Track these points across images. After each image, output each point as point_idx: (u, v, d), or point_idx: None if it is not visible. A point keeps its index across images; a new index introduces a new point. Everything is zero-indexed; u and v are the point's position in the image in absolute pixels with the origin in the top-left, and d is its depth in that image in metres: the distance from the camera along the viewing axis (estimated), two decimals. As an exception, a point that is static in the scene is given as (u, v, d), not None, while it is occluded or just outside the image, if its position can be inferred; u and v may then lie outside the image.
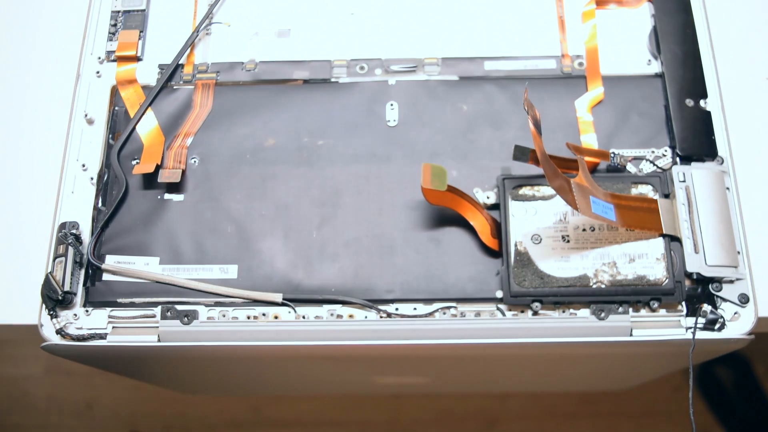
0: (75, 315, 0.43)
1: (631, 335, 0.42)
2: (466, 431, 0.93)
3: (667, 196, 0.44)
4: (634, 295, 0.42)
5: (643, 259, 0.42)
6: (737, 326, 0.42)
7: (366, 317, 0.43)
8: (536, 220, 0.43)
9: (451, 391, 0.90)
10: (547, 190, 0.44)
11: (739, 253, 0.42)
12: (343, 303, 0.43)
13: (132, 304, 0.43)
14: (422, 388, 0.85)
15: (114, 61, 0.49)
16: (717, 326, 0.42)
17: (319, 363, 0.56)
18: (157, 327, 0.43)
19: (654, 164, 0.45)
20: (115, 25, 0.50)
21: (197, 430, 0.94)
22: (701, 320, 0.42)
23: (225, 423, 0.94)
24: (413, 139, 0.47)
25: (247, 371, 0.62)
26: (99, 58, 0.49)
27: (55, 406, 0.95)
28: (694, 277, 0.42)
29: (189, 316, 0.43)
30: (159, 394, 0.94)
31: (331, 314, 0.43)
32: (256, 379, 0.70)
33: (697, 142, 0.46)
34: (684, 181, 0.44)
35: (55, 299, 0.42)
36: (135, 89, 0.49)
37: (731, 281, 0.42)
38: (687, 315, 0.42)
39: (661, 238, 0.42)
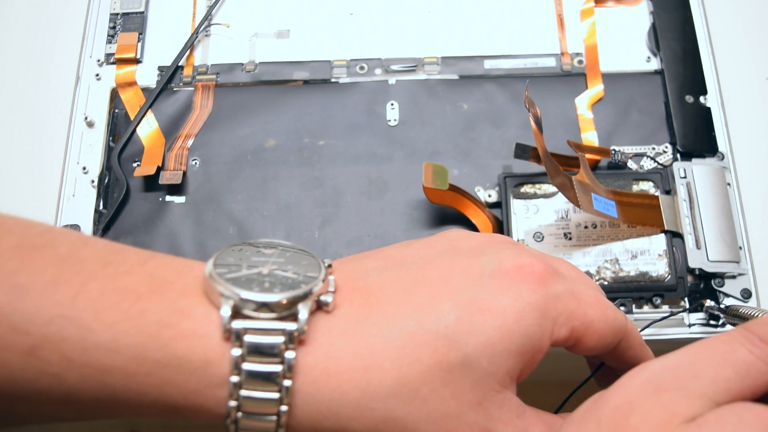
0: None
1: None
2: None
3: (668, 192, 0.44)
4: (637, 291, 0.42)
5: (645, 256, 0.42)
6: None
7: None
8: (538, 218, 0.43)
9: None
10: (548, 187, 0.44)
11: (740, 248, 0.43)
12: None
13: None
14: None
15: (113, 63, 0.49)
16: (720, 322, 0.42)
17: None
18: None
19: (655, 161, 0.46)
20: (114, 27, 0.50)
21: (197, 430, 0.94)
22: (703, 316, 0.42)
23: (226, 425, 0.94)
24: (414, 138, 0.47)
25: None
26: (98, 60, 0.49)
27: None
28: (696, 272, 0.42)
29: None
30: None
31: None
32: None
33: (698, 138, 0.46)
34: (685, 177, 0.44)
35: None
36: (135, 91, 0.49)
37: (733, 276, 0.42)
38: (690, 311, 0.42)
39: (662, 235, 0.43)
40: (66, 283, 0.26)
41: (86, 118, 0.47)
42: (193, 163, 0.47)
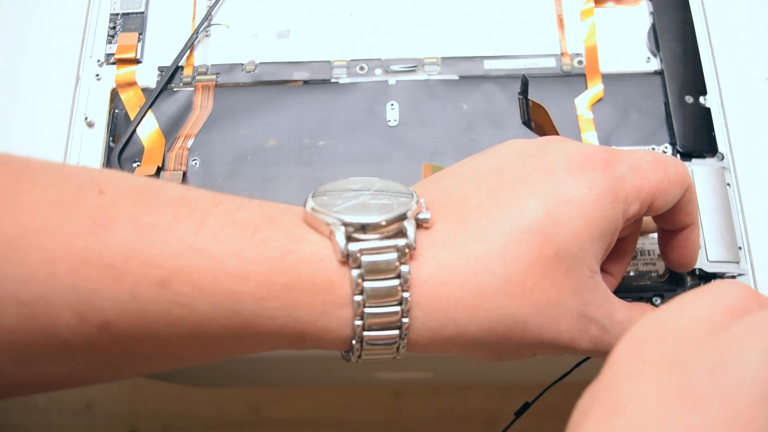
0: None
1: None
2: (466, 431, 0.94)
3: (668, 192, 0.44)
4: (636, 291, 0.42)
5: (645, 256, 0.42)
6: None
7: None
8: (538, 219, 0.43)
9: (454, 382, 0.90)
10: (548, 188, 0.44)
11: (740, 248, 0.43)
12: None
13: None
14: (424, 381, 0.85)
15: (113, 63, 0.49)
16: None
17: (321, 361, 0.56)
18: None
19: (654, 161, 0.46)
20: (114, 27, 0.50)
21: (197, 430, 0.94)
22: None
23: (225, 423, 0.94)
24: (414, 138, 0.47)
25: (250, 368, 0.62)
26: (98, 60, 0.49)
27: (55, 406, 0.95)
28: (696, 273, 0.42)
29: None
30: (159, 394, 0.94)
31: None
32: (257, 374, 0.70)
33: (697, 138, 0.46)
34: (685, 178, 0.44)
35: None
36: (135, 92, 0.49)
37: (733, 277, 0.43)
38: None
39: (662, 235, 0.43)
40: (186, 220, 0.27)
41: (86, 119, 0.48)
42: (193, 163, 0.47)
